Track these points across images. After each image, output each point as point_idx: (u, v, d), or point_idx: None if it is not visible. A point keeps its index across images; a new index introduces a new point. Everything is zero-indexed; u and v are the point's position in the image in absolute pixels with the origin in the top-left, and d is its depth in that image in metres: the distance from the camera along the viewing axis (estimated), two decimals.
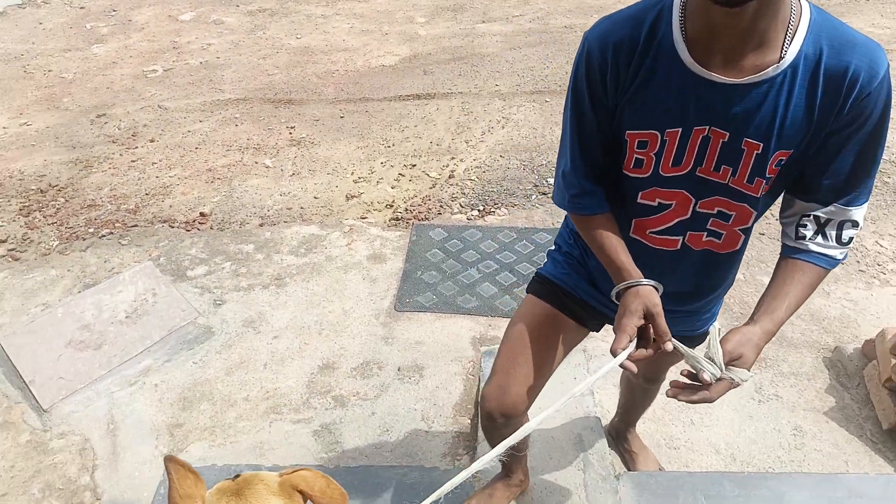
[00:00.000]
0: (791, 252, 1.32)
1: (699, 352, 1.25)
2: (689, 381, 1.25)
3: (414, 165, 4.35)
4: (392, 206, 3.98)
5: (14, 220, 3.89)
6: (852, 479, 2.02)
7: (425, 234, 3.69)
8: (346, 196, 4.08)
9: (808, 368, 2.78)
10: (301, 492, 1.13)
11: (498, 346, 1.69)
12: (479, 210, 3.91)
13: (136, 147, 4.63)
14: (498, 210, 3.91)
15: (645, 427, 2.51)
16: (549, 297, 1.65)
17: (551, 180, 4.14)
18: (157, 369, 2.92)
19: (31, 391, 2.75)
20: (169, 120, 5.00)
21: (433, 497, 1.17)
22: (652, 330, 1.28)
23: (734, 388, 1.23)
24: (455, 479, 1.19)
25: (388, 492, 2.12)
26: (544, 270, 1.72)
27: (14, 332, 3.01)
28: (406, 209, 3.93)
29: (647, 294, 1.30)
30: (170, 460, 1.12)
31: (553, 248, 1.76)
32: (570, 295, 1.64)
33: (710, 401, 1.22)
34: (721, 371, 1.21)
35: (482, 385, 2.41)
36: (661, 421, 2.57)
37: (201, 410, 2.74)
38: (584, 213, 1.44)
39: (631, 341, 1.26)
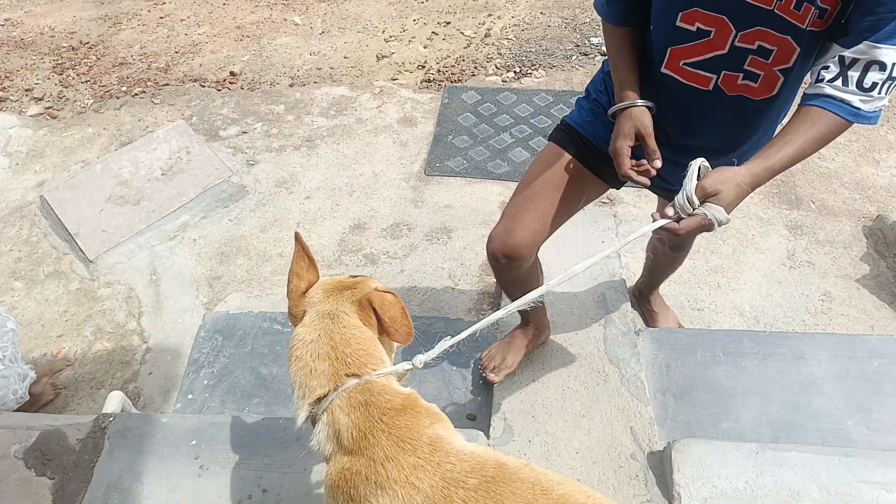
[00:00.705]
0: (805, 99, 1.23)
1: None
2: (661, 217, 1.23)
3: (448, 23, 4.13)
4: (424, 66, 3.84)
5: (49, 79, 3.89)
6: (874, 340, 2.02)
7: (457, 97, 3.57)
8: (377, 56, 3.93)
9: (846, 237, 2.71)
10: (374, 309, 1.18)
11: None
12: (515, 71, 3.74)
13: (164, 2, 4.50)
14: (535, 71, 3.73)
15: (669, 289, 2.52)
16: (569, 145, 1.60)
17: (595, 40, 3.90)
18: (194, 225, 3.02)
19: (77, 243, 2.88)
20: None
21: (456, 339, 1.21)
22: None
23: (707, 228, 1.17)
24: (476, 325, 1.22)
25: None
26: (569, 117, 1.66)
27: (57, 187, 3.12)
28: (438, 70, 3.78)
29: (638, 115, 1.34)
30: (297, 239, 1.23)
31: (583, 94, 1.68)
32: (590, 144, 1.59)
33: (676, 233, 1.18)
34: (690, 204, 1.16)
35: None
36: (687, 284, 2.57)
37: (238, 264, 2.84)
38: (615, 21, 1.43)
39: (630, 162, 1.35)
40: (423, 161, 3.23)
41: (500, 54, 3.86)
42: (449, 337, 1.22)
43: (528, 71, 3.73)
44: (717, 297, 2.52)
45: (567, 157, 1.59)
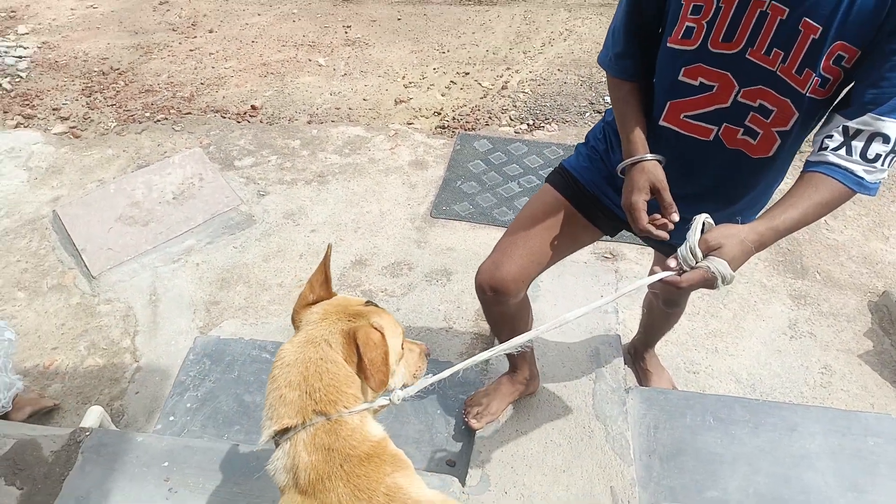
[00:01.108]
0: (809, 166, 1.23)
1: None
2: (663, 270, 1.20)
3: (467, 73, 4.23)
4: (440, 113, 3.92)
5: (76, 100, 4.03)
6: (870, 418, 1.96)
7: (469, 145, 3.63)
8: (395, 100, 4.03)
9: (851, 310, 2.66)
10: (356, 345, 1.12)
11: None
12: (528, 124, 3.81)
13: (195, 36, 4.67)
14: (548, 125, 3.79)
15: (666, 349, 2.49)
16: (563, 188, 1.62)
17: (609, 98, 3.96)
18: (199, 250, 3.05)
19: (82, 258, 2.92)
20: (228, 11, 4.99)
21: (437, 377, 1.20)
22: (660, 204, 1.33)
23: (710, 284, 1.14)
24: (460, 365, 1.21)
25: None
26: (566, 162, 1.68)
27: (70, 203, 3.18)
28: (454, 118, 3.86)
29: (651, 169, 1.33)
30: (327, 251, 1.25)
31: (582, 141, 1.70)
32: (584, 189, 1.61)
33: (678, 287, 1.16)
34: (693, 256, 1.15)
35: None
36: (684, 346, 2.53)
37: (237, 291, 2.86)
38: (621, 77, 1.44)
39: (646, 216, 1.33)
40: (430, 203, 3.26)
41: (515, 106, 3.93)
42: (431, 374, 1.20)
43: (541, 124, 3.79)
44: (715, 362, 2.48)
45: (561, 199, 1.61)
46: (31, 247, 3.07)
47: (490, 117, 3.86)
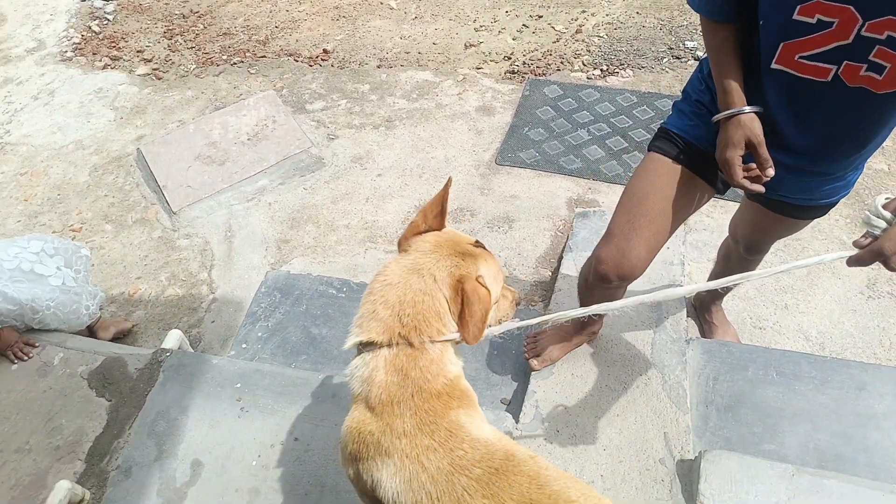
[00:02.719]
0: None
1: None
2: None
3: (540, 17, 4.11)
4: (510, 58, 3.84)
5: (158, 42, 4.17)
6: None
7: (539, 90, 3.56)
8: (465, 44, 3.97)
9: None
10: (462, 297, 1.13)
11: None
12: (601, 69, 3.68)
13: None
14: (622, 71, 3.66)
15: (733, 303, 2.43)
16: (673, 153, 1.51)
17: (690, 43, 3.77)
18: (271, 190, 3.16)
19: (164, 195, 3.09)
20: None
21: (525, 323, 1.22)
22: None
23: None
24: (551, 316, 1.22)
25: None
26: (668, 123, 1.57)
27: (153, 142, 3.35)
28: (524, 63, 3.77)
29: (748, 123, 1.27)
30: (447, 183, 1.23)
31: (680, 97, 1.60)
32: (696, 148, 1.50)
33: (882, 254, 1.03)
34: (880, 218, 1.03)
35: (572, 241, 2.41)
36: (752, 301, 2.46)
37: (307, 231, 2.96)
38: (716, 18, 1.34)
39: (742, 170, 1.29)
40: (495, 150, 3.24)
41: (589, 51, 3.81)
42: (518, 319, 1.22)
43: (616, 70, 3.66)
44: (783, 318, 2.40)
45: (673, 165, 1.51)
46: (118, 182, 3.26)
47: (562, 62, 3.75)
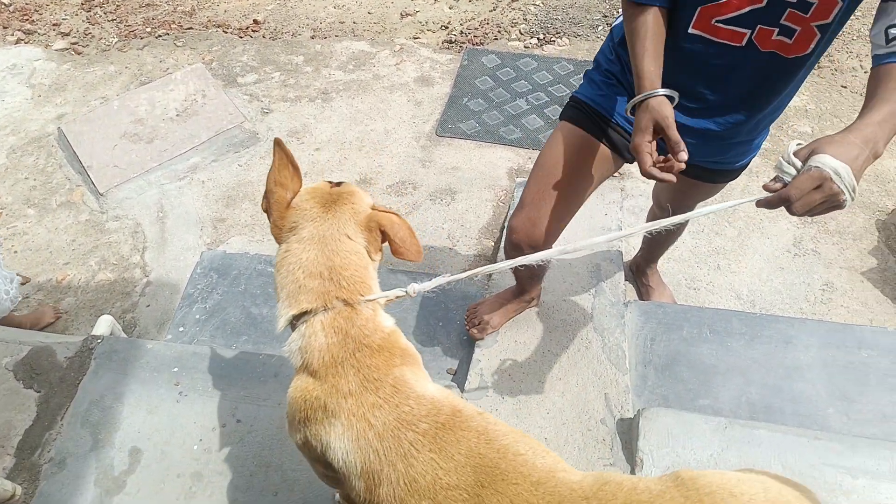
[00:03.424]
0: (882, 59, 1.12)
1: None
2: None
3: None
4: (447, 27, 3.79)
5: (76, 14, 3.94)
6: (866, 331, 1.98)
7: (477, 60, 3.53)
8: (401, 14, 3.89)
9: (857, 228, 2.64)
10: (383, 232, 1.17)
11: None
12: (538, 38, 3.68)
13: None
14: (559, 39, 3.67)
15: (668, 266, 2.50)
16: (584, 123, 1.54)
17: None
18: (204, 167, 3.05)
19: (89, 176, 2.94)
20: None
21: (454, 277, 1.19)
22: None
23: (831, 189, 0.99)
24: (476, 270, 1.21)
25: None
26: (579, 93, 1.59)
27: (75, 121, 3.17)
28: (461, 32, 3.74)
29: (656, 107, 1.23)
30: (278, 144, 1.16)
31: (591, 66, 1.61)
32: (605, 119, 1.53)
33: (788, 200, 1.02)
34: (790, 164, 1.03)
35: (510, 214, 2.42)
36: (687, 262, 2.54)
37: (243, 209, 2.88)
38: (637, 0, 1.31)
39: (653, 158, 1.23)
40: (435, 121, 3.21)
41: (526, 20, 3.79)
42: (448, 274, 1.22)
43: (552, 38, 3.66)
44: (716, 278, 2.49)
45: (582, 133, 1.53)
46: (39, 164, 3.08)
47: (499, 31, 3.73)
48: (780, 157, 1.07)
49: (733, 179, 1.72)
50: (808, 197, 1.01)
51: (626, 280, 2.31)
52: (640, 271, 2.40)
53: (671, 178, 1.23)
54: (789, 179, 1.03)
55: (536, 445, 1.08)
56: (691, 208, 1.99)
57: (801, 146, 1.06)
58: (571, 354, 1.93)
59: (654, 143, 1.25)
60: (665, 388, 1.93)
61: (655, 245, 2.27)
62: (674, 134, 1.23)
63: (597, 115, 1.54)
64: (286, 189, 1.18)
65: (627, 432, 1.70)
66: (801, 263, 2.52)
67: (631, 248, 2.51)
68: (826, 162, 0.99)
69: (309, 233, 1.14)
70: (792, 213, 1.04)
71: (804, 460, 1.53)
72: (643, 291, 2.38)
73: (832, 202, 1.02)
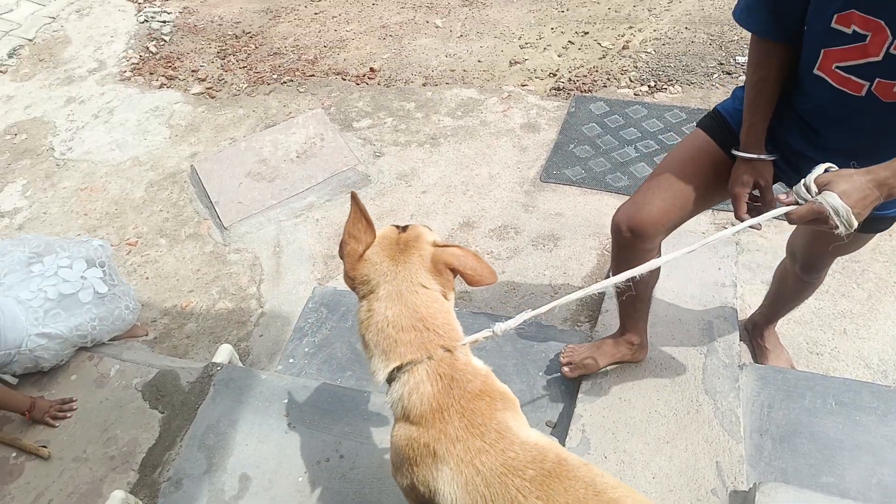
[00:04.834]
0: None
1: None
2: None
3: (586, 33, 4.09)
4: (555, 74, 3.83)
5: (212, 62, 4.31)
6: None
7: (585, 107, 3.53)
8: (510, 62, 3.98)
9: None
10: (452, 269, 1.21)
11: None
12: (649, 85, 3.64)
13: (320, 0, 4.82)
14: (671, 87, 3.61)
15: (787, 328, 2.35)
16: (715, 132, 1.55)
17: (741, 59, 3.70)
18: (319, 206, 3.22)
19: (216, 210, 3.18)
20: None
21: (537, 312, 1.21)
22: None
23: (826, 220, 1.14)
24: (560, 300, 1.22)
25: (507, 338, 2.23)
26: (721, 105, 1.60)
27: (206, 159, 3.45)
28: (569, 79, 3.76)
29: (761, 168, 1.40)
30: (354, 198, 1.23)
31: (741, 84, 1.60)
32: (736, 135, 1.51)
33: (789, 221, 1.20)
34: (806, 190, 1.17)
35: None
36: (809, 325, 2.37)
37: None
38: (756, 31, 1.38)
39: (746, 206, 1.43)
40: (540, 167, 3.23)
41: (636, 67, 3.77)
42: (530, 309, 1.22)
43: (664, 86, 3.61)
44: (841, 344, 2.31)
45: (710, 142, 1.55)
46: (172, 198, 3.37)
47: (608, 78, 3.73)
48: (804, 179, 1.19)
49: (882, 230, 1.60)
50: (804, 223, 1.19)
51: (740, 340, 2.19)
52: (756, 331, 2.27)
53: (758, 225, 1.33)
54: (802, 202, 1.18)
55: (646, 501, 1.04)
56: (828, 261, 1.89)
57: (828, 172, 1.18)
58: (681, 417, 1.84)
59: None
60: (784, 461, 1.79)
61: (781, 301, 2.13)
62: (770, 194, 1.42)
63: (729, 129, 1.56)
64: (359, 242, 1.22)
65: None
66: None
67: (747, 307, 2.39)
68: (830, 201, 1.12)
69: (385, 291, 1.18)
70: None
71: None
72: (758, 353, 2.24)
73: (826, 228, 1.16)
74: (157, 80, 4.20)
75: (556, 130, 3.42)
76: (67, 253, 2.19)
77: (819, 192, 1.15)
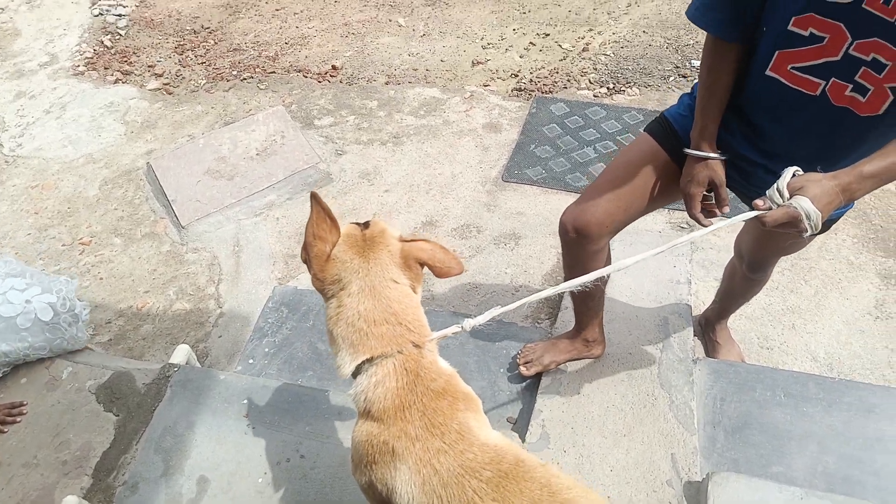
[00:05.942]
0: None
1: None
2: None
3: (547, 35, 4.15)
4: (517, 75, 3.87)
5: (170, 58, 4.22)
6: None
7: (546, 108, 3.58)
8: (473, 62, 4.00)
9: None
10: (422, 263, 1.21)
11: None
12: (608, 87, 3.70)
13: None
14: (629, 89, 3.68)
15: (739, 323, 2.42)
16: (661, 137, 1.58)
17: (696, 62, 3.79)
18: (279, 205, 3.18)
19: (173, 209, 3.11)
20: None
21: (505, 308, 1.21)
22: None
23: (797, 225, 1.16)
24: (526, 299, 1.23)
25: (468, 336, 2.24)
26: (668, 111, 1.63)
27: (163, 157, 3.38)
28: (531, 80, 3.80)
29: (714, 167, 1.43)
30: (314, 198, 1.18)
31: (689, 91, 1.64)
32: (679, 139, 1.55)
33: (763, 224, 1.19)
34: (780, 195, 1.19)
35: None
36: (759, 321, 2.45)
37: None
38: (711, 31, 1.38)
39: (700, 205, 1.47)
40: (502, 167, 3.26)
41: (596, 69, 3.83)
42: (499, 306, 1.23)
43: (622, 88, 3.68)
44: (790, 338, 2.39)
45: (657, 148, 1.57)
46: (128, 196, 3.29)
47: (569, 80, 3.78)
48: (776, 183, 1.21)
49: (824, 232, 1.66)
50: (777, 225, 1.19)
51: (694, 336, 2.25)
52: (709, 326, 2.34)
53: (711, 222, 1.41)
54: (774, 207, 1.20)
55: (601, 501, 1.06)
56: (773, 261, 1.96)
57: (796, 176, 1.21)
58: (637, 410, 1.89)
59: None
60: (735, 451, 1.85)
61: (731, 297, 2.20)
62: (724, 192, 1.47)
63: (675, 134, 1.58)
64: (325, 242, 1.18)
65: (695, 496, 1.64)
66: (883, 327, 2.39)
67: (701, 303, 2.46)
68: (804, 206, 1.15)
69: (358, 287, 1.16)
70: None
71: None
72: (711, 348, 2.31)
73: (795, 231, 1.19)
74: (111, 74, 4.09)
75: (518, 131, 3.45)
76: (31, 280, 2.06)
77: (791, 197, 1.18)
